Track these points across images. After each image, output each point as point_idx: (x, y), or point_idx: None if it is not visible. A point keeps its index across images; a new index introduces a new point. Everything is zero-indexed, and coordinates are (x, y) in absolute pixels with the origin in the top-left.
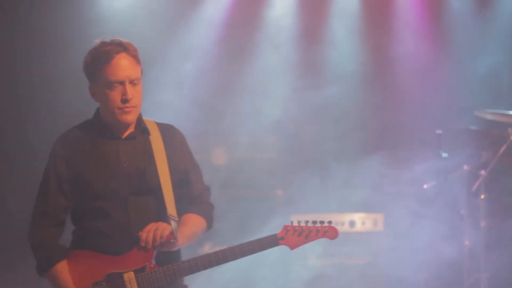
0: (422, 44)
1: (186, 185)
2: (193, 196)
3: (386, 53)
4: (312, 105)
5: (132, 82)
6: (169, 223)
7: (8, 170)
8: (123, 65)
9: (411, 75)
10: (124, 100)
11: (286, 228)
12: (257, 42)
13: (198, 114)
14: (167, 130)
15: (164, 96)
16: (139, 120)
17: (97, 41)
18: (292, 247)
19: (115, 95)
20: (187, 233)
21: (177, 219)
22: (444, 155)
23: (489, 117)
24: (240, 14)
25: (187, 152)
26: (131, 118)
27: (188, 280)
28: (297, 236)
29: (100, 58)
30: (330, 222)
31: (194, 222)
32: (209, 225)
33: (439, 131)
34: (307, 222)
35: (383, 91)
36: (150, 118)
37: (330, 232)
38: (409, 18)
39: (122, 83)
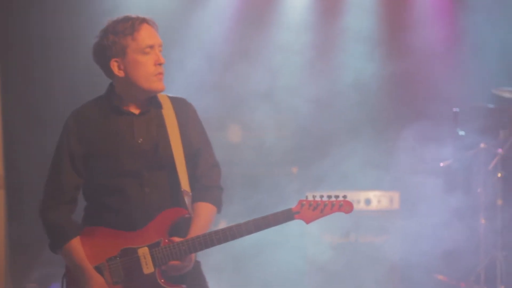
0: (440, 22)
1: (197, 160)
2: (203, 171)
3: (404, 33)
4: (328, 84)
5: (159, 47)
6: (183, 198)
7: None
8: (150, 31)
9: (429, 53)
10: (159, 64)
11: (301, 203)
12: (274, 22)
13: (214, 93)
14: (179, 104)
15: (181, 75)
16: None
17: (107, 21)
18: (307, 221)
19: (149, 61)
20: (201, 225)
21: (190, 193)
22: (461, 133)
23: (507, 95)
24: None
25: (200, 126)
26: (163, 85)
27: (201, 256)
28: (312, 210)
29: (125, 30)
30: (345, 197)
31: (207, 213)
32: (219, 210)
33: (456, 109)
34: (322, 196)
35: (400, 69)
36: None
37: (345, 206)
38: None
39: (152, 47)
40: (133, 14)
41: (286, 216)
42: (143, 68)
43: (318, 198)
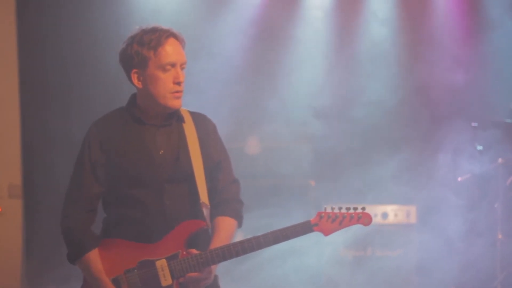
0: (459, 37)
1: (216, 175)
2: (222, 186)
3: (422, 47)
4: (346, 97)
5: (181, 66)
6: (201, 210)
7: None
8: (174, 48)
9: (447, 67)
10: (178, 83)
11: (320, 215)
12: (293, 33)
13: (233, 104)
14: (199, 119)
15: (201, 86)
16: None
17: (137, 28)
18: (326, 234)
19: (168, 78)
20: (222, 238)
21: (209, 206)
22: (479, 148)
23: None
24: (273, 7)
25: (219, 142)
26: (180, 103)
27: (220, 271)
28: (331, 223)
29: (151, 43)
30: (363, 209)
31: (228, 227)
32: (240, 225)
33: (474, 124)
34: (340, 208)
35: (418, 84)
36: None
37: (364, 219)
38: (446, 13)
39: (174, 65)
40: (163, 25)
41: (304, 228)
42: (161, 84)
43: (336, 210)
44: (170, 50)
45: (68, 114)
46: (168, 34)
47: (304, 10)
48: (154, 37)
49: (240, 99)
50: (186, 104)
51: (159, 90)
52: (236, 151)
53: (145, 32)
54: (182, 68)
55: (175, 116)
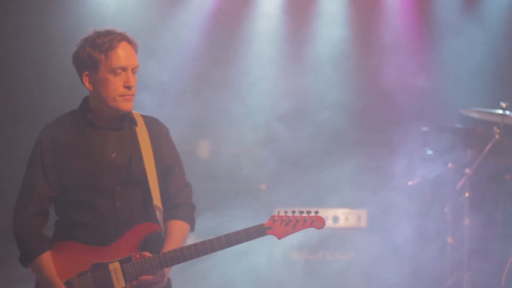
0: (411, 43)
1: (169, 178)
2: (174, 190)
3: (373, 51)
4: (298, 101)
5: (133, 70)
6: (154, 213)
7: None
8: (127, 52)
9: (398, 71)
10: (128, 87)
11: (273, 218)
12: (246, 36)
13: (184, 107)
14: (152, 123)
15: (151, 88)
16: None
17: (91, 31)
18: (279, 237)
19: (118, 82)
20: (175, 242)
21: (162, 209)
22: (429, 152)
23: (475, 115)
24: (229, 7)
25: (171, 146)
26: (130, 106)
27: (173, 273)
28: (284, 226)
29: (103, 46)
30: (316, 212)
31: (180, 230)
32: (192, 228)
33: (425, 128)
34: (294, 212)
35: (370, 86)
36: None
37: (317, 222)
38: (395, 18)
39: (125, 69)
40: (117, 28)
41: (258, 232)
42: (112, 87)
43: (290, 214)
44: (121, 54)
45: (16, 118)
46: (121, 37)
47: (263, 9)
48: (106, 40)
49: (199, 101)
50: (143, 105)
51: (109, 93)
52: (190, 154)
53: (98, 35)
54: (134, 72)
55: (127, 119)
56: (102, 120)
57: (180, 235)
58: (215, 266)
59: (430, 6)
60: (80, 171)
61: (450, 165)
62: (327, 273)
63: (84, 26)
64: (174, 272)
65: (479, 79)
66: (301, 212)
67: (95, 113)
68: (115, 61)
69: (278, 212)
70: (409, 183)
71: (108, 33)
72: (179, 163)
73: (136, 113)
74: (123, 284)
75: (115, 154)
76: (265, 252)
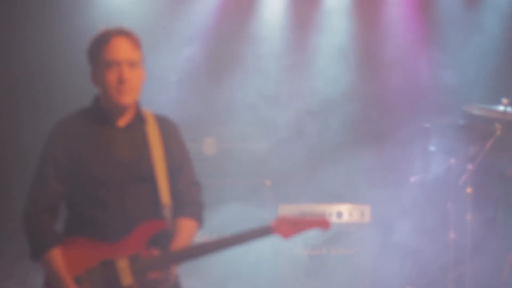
0: (411, 39)
1: (178, 176)
2: (183, 188)
3: (377, 48)
4: (305, 100)
5: (130, 64)
6: (163, 211)
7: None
8: (121, 46)
9: (401, 69)
10: (119, 81)
11: (279, 218)
12: (250, 34)
13: (191, 104)
14: (163, 121)
15: (157, 86)
16: (138, 109)
17: (101, 28)
18: (285, 237)
19: (112, 76)
20: (183, 239)
21: (171, 207)
22: (432, 148)
23: (477, 112)
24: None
25: (182, 144)
26: (126, 99)
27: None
28: (290, 226)
29: (99, 40)
30: (322, 214)
31: (188, 228)
32: (201, 226)
33: (427, 125)
34: (300, 213)
35: (372, 86)
36: (145, 108)
37: (322, 223)
38: (399, 16)
39: (118, 63)
40: (124, 25)
41: (264, 232)
42: (106, 81)
43: (296, 214)
44: (114, 48)
45: (20, 119)
46: (118, 32)
47: (261, 8)
48: (102, 35)
49: (199, 98)
50: (151, 103)
51: (105, 87)
52: (192, 151)
53: (103, 30)
54: (132, 66)
55: (138, 118)
56: (113, 117)
57: (188, 233)
58: (219, 260)
59: (432, 5)
60: (90, 167)
61: (452, 161)
62: (331, 268)
63: (92, 28)
64: (182, 269)
65: (482, 76)
66: (307, 214)
67: (104, 110)
68: (107, 54)
69: (284, 211)
70: (412, 179)
71: (109, 29)
72: (189, 162)
73: (147, 111)
74: (131, 281)
75: (125, 151)
76: (269, 247)
